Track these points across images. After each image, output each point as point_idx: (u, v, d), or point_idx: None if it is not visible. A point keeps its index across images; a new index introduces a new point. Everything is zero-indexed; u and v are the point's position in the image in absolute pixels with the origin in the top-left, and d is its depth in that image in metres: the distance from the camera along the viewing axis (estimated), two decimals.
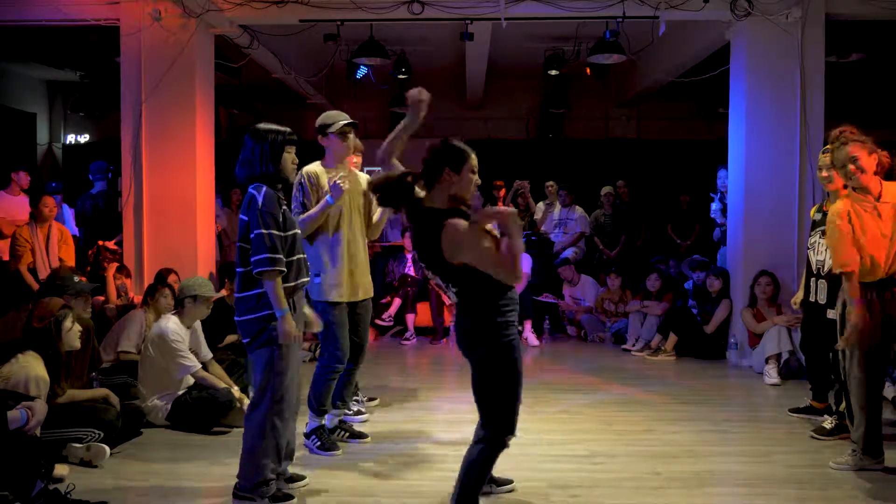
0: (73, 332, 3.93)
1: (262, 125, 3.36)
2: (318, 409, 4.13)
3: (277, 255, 3.19)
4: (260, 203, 3.22)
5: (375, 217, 4.31)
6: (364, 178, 4.32)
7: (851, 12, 6.34)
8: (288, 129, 3.38)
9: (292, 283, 3.32)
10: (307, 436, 4.14)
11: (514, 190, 9.20)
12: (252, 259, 3.20)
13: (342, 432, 4.33)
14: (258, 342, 3.27)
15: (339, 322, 4.09)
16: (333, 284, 4.05)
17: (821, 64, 6.34)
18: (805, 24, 6.23)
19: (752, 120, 6.41)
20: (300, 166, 3.48)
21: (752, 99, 6.41)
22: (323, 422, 4.18)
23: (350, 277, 4.10)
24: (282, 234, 3.25)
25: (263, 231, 3.19)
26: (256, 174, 3.29)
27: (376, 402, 5.08)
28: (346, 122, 4.08)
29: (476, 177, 3.02)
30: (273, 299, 3.20)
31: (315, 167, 4.13)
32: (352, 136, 4.16)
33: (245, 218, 3.26)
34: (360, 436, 4.36)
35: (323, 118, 4.15)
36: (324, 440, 4.11)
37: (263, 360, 3.27)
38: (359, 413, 4.70)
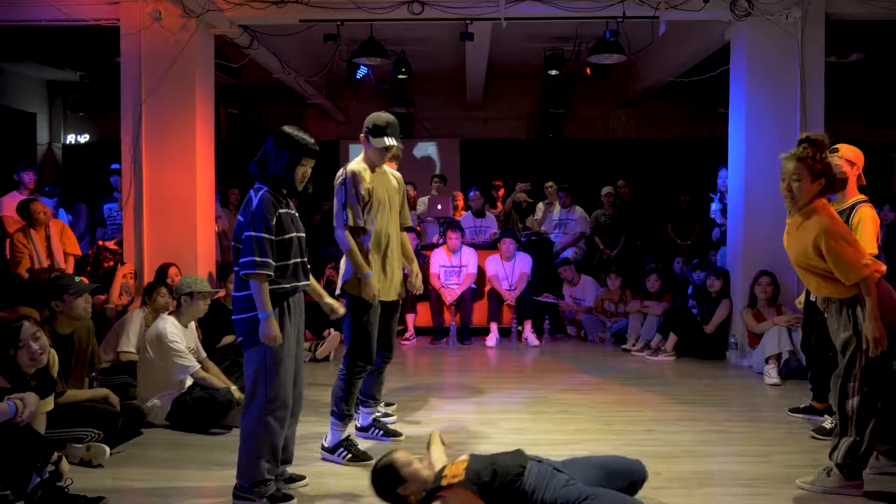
0: (24, 352, 3.34)
1: (289, 129, 3.32)
2: (342, 414, 3.94)
3: (264, 259, 3.18)
4: (254, 206, 3.23)
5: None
6: (398, 177, 4.27)
7: (851, 12, 6.35)
8: (311, 141, 3.34)
9: (288, 286, 3.31)
10: (332, 450, 3.93)
11: (514, 194, 9.18)
12: (240, 260, 3.22)
13: (376, 430, 4.32)
14: (250, 341, 3.27)
15: (371, 321, 3.98)
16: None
17: (821, 64, 6.34)
18: (805, 24, 6.23)
19: (751, 120, 6.41)
20: None
21: (752, 99, 6.41)
22: (349, 432, 4.01)
23: (383, 276, 4.05)
24: (273, 237, 3.23)
25: (253, 234, 3.19)
26: (266, 174, 3.29)
27: (394, 406, 4.91)
28: (389, 143, 3.95)
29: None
30: (257, 301, 3.19)
31: (358, 165, 4.01)
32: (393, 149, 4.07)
33: (241, 219, 3.28)
34: (395, 434, 4.33)
35: (370, 122, 4.00)
36: (353, 451, 3.92)
37: (255, 358, 3.27)
38: (386, 416, 4.63)
